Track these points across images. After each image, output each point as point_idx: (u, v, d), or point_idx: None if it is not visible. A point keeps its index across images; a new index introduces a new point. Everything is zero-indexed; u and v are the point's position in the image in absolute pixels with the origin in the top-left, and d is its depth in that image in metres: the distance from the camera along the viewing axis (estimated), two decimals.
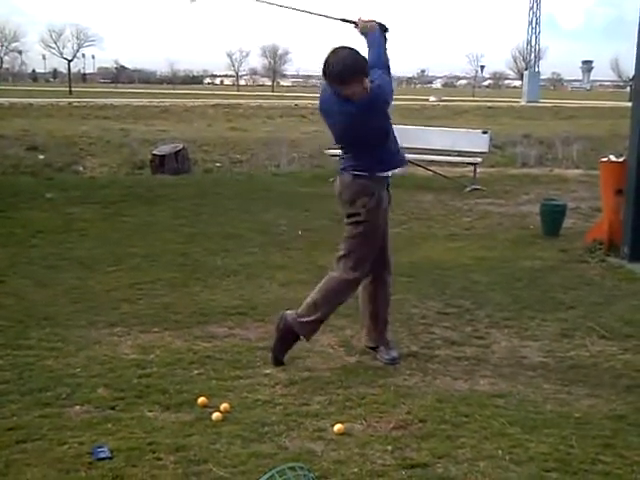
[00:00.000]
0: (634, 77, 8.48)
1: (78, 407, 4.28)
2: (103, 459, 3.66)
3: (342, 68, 4.65)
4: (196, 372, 4.83)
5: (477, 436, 4.02)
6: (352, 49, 4.74)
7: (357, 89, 4.66)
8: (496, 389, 4.68)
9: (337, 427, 4.04)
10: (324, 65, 4.73)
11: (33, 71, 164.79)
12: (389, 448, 3.87)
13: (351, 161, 4.91)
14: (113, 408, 4.27)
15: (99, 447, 3.76)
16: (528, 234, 9.48)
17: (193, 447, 3.81)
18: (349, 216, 4.96)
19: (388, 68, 4.92)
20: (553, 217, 9.49)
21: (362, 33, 5.03)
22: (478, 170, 14.13)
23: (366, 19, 5.05)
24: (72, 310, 6.06)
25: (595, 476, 3.63)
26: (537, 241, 9.07)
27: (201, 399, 4.33)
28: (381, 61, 4.90)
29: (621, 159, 8.47)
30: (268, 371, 4.88)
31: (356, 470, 3.64)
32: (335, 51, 4.73)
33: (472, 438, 3.99)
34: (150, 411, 4.24)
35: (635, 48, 8.15)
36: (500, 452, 3.84)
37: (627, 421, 4.24)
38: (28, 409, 4.22)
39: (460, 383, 4.76)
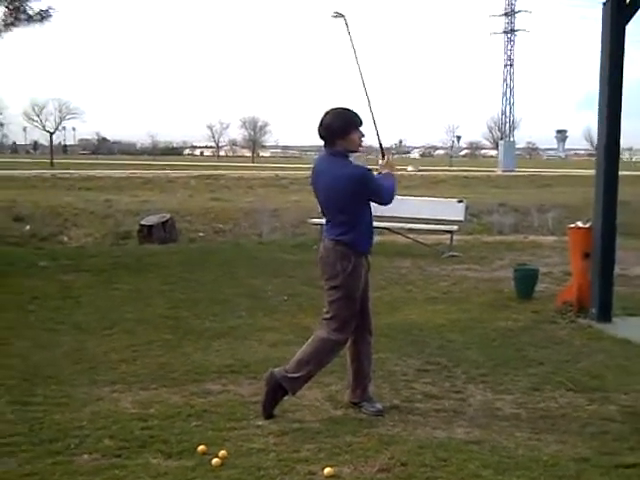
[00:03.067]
0: (596, 150, 9.06)
1: (86, 456, 4.63)
2: None
3: (343, 119, 5.34)
4: (194, 424, 5.19)
5: (454, 478, 4.41)
6: (340, 107, 5.43)
7: (356, 137, 5.36)
8: (472, 437, 5.07)
9: (327, 470, 4.41)
10: (324, 126, 5.37)
11: (13, 143, 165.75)
12: None
13: (333, 229, 5.42)
14: (119, 456, 4.63)
15: None
16: (502, 297, 9.94)
17: None
18: (328, 279, 5.43)
19: (392, 195, 5.51)
20: (526, 281, 9.96)
21: (382, 167, 5.67)
22: (455, 237, 14.68)
23: (391, 162, 5.70)
24: (74, 370, 6.42)
25: None
26: (511, 304, 9.52)
27: (201, 447, 4.70)
28: (390, 190, 5.50)
29: (588, 225, 9.01)
30: (260, 423, 5.25)
31: None
32: (328, 112, 5.40)
33: (449, 479, 4.38)
34: (154, 458, 4.60)
35: (597, 123, 8.79)
36: None
37: (591, 463, 4.65)
38: (40, 458, 4.57)
39: (439, 432, 5.15)
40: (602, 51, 8.68)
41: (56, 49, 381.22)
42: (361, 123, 5.43)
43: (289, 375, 5.38)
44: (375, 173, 5.52)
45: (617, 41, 8.59)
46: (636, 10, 8.57)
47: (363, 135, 5.45)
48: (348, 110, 5.43)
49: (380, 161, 5.71)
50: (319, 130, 5.41)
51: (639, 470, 4.54)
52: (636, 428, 5.24)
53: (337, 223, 5.39)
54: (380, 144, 5.75)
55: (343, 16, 5.70)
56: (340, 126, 5.33)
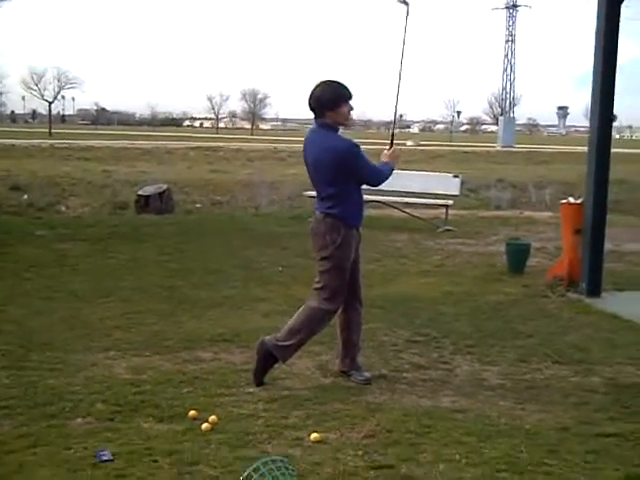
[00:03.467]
0: (589, 127, 9.12)
1: (80, 419, 4.75)
2: (106, 461, 4.15)
3: (333, 91, 5.42)
4: (185, 390, 5.31)
5: (437, 444, 4.53)
6: (330, 80, 5.50)
7: (345, 110, 5.43)
8: (457, 406, 5.19)
9: (313, 435, 4.53)
10: (314, 98, 5.43)
11: (12, 112, 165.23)
12: (360, 453, 4.37)
13: (323, 202, 5.50)
14: (112, 420, 4.75)
15: (102, 451, 4.24)
16: (494, 271, 10.05)
17: (185, 451, 4.30)
18: (319, 251, 5.52)
19: (379, 179, 5.59)
20: (517, 255, 10.07)
21: (385, 155, 5.77)
22: (450, 212, 14.77)
23: (396, 154, 5.80)
24: (69, 336, 6.54)
25: (540, 475, 4.16)
26: (502, 278, 9.63)
27: (191, 412, 4.82)
28: (381, 175, 5.59)
29: (579, 201, 9.09)
30: (251, 390, 5.37)
31: (330, 470, 4.13)
32: (318, 84, 5.47)
33: (433, 445, 4.50)
34: (145, 422, 4.72)
35: (590, 101, 8.85)
36: (458, 456, 4.35)
37: (571, 432, 4.77)
38: (35, 420, 4.69)
39: (425, 400, 5.28)
40: (597, 29, 8.72)
41: (56, 17, 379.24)
42: (351, 96, 5.48)
43: (280, 343, 5.49)
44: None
45: (612, 20, 8.62)
46: None
47: (352, 108, 5.50)
48: (338, 83, 5.48)
49: (385, 150, 5.79)
50: (309, 102, 5.46)
51: (618, 439, 4.66)
52: (617, 399, 5.37)
53: (326, 196, 5.45)
54: (392, 134, 5.83)
55: (407, 4, 5.82)
56: (330, 98, 5.39)
